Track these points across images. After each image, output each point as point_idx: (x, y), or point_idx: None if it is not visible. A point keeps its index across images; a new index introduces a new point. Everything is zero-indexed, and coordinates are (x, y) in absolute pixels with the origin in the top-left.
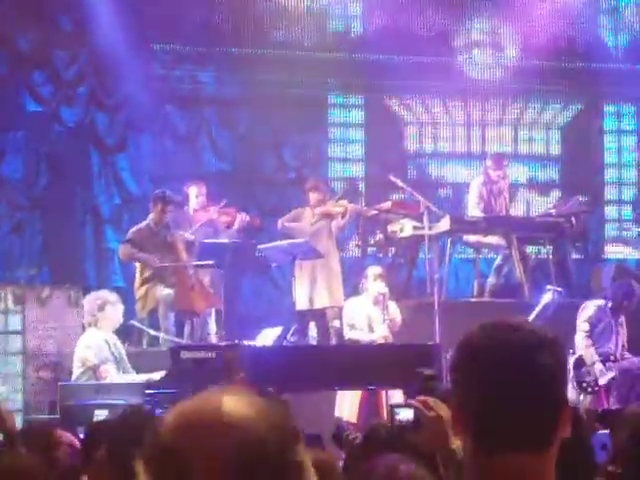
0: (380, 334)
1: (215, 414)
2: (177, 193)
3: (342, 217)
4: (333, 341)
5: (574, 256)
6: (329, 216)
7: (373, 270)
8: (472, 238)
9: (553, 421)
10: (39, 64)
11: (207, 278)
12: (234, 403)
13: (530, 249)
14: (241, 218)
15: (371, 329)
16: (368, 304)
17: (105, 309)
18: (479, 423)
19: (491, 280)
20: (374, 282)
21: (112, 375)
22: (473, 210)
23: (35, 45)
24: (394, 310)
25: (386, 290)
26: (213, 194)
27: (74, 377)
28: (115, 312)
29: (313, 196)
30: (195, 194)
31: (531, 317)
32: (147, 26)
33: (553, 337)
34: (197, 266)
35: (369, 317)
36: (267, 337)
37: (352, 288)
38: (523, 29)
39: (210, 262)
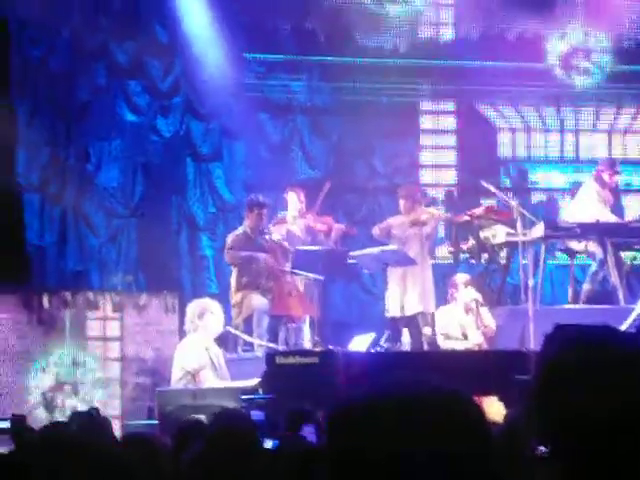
0: (474, 341)
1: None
2: (271, 200)
3: (426, 224)
4: (425, 347)
5: None
6: (418, 223)
7: (461, 278)
8: (568, 244)
9: None
10: (135, 74)
11: (300, 284)
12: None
13: (625, 254)
14: (338, 227)
15: (465, 337)
16: (460, 312)
17: (204, 317)
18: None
19: (586, 286)
20: (465, 289)
21: (210, 381)
22: (586, 215)
23: (132, 56)
24: (488, 317)
25: (479, 295)
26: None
27: (172, 382)
28: (215, 320)
29: (403, 203)
30: (294, 200)
31: (626, 323)
32: (240, 35)
33: None
34: (294, 273)
35: (462, 325)
36: (359, 343)
37: (444, 295)
38: (615, 33)
39: (315, 275)
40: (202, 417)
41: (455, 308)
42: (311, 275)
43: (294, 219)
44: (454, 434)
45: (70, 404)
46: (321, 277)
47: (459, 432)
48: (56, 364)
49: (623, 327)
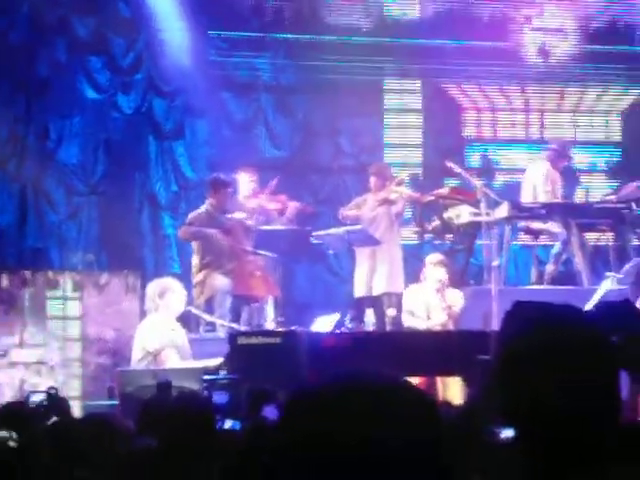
0: (437, 322)
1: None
2: (233, 179)
3: (395, 203)
4: (389, 328)
5: (634, 242)
6: (387, 202)
7: (432, 257)
8: (532, 224)
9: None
10: (96, 50)
11: (262, 264)
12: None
13: (589, 236)
14: (292, 205)
15: (429, 317)
16: (428, 292)
17: (165, 296)
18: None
19: (550, 267)
20: (434, 269)
21: (173, 360)
22: (533, 195)
23: (93, 32)
24: (455, 297)
25: (446, 277)
26: (269, 181)
27: (133, 362)
28: (177, 299)
29: (373, 181)
30: (246, 180)
31: (590, 304)
32: (203, 12)
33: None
34: (255, 253)
35: (428, 304)
36: (323, 324)
37: (409, 275)
38: (581, 13)
39: (269, 253)
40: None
41: (423, 287)
42: (268, 253)
43: (246, 199)
44: (409, 421)
45: (32, 383)
46: (274, 255)
47: (411, 419)
48: (16, 344)
49: (587, 308)
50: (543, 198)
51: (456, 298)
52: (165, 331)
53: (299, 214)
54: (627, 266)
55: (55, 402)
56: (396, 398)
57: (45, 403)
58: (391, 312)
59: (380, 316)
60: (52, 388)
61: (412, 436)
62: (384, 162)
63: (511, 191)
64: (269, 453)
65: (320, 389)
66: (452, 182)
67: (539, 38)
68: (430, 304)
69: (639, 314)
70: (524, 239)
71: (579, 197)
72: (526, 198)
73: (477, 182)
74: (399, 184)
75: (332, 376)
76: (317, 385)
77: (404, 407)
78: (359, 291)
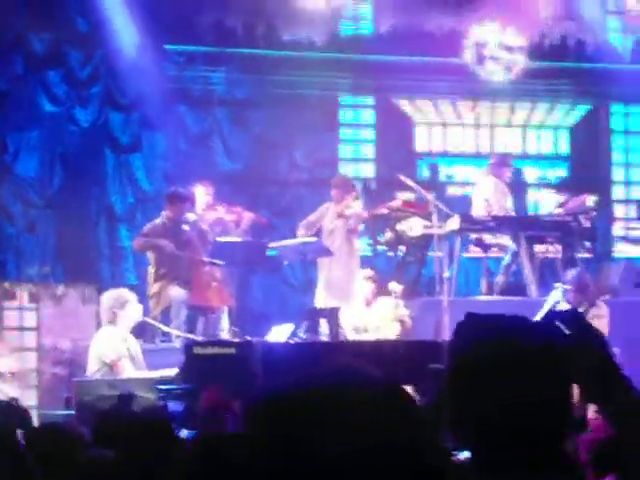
0: (387, 333)
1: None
2: (190, 192)
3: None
4: (342, 339)
5: (582, 255)
6: (342, 216)
7: (362, 273)
8: (482, 237)
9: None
10: (54, 64)
11: (218, 275)
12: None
13: (538, 248)
14: (247, 217)
15: (365, 330)
16: (358, 306)
17: (126, 307)
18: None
19: (499, 278)
20: (362, 283)
21: (128, 372)
22: (484, 209)
23: (50, 45)
24: (403, 310)
25: (370, 289)
26: (225, 194)
27: (89, 373)
28: (135, 310)
29: (334, 193)
30: (202, 193)
31: (539, 315)
32: (160, 27)
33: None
34: (212, 263)
35: (360, 319)
36: (277, 334)
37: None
38: (531, 30)
39: (221, 262)
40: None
41: (355, 303)
42: (221, 263)
43: (203, 212)
44: (389, 423)
45: None
46: (221, 263)
47: (394, 421)
48: None
49: (536, 318)
50: (497, 211)
51: (404, 311)
52: (120, 342)
53: (254, 225)
54: (569, 274)
55: (17, 413)
56: (367, 397)
57: (6, 414)
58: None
59: (334, 327)
60: (13, 399)
61: (388, 435)
62: (345, 175)
63: (461, 204)
64: (235, 462)
65: (289, 393)
66: (404, 195)
67: (489, 54)
68: (362, 318)
69: (587, 323)
70: (474, 251)
71: (529, 210)
72: (477, 211)
73: (429, 195)
74: (355, 199)
75: (300, 378)
76: (287, 389)
77: (378, 406)
78: (318, 302)
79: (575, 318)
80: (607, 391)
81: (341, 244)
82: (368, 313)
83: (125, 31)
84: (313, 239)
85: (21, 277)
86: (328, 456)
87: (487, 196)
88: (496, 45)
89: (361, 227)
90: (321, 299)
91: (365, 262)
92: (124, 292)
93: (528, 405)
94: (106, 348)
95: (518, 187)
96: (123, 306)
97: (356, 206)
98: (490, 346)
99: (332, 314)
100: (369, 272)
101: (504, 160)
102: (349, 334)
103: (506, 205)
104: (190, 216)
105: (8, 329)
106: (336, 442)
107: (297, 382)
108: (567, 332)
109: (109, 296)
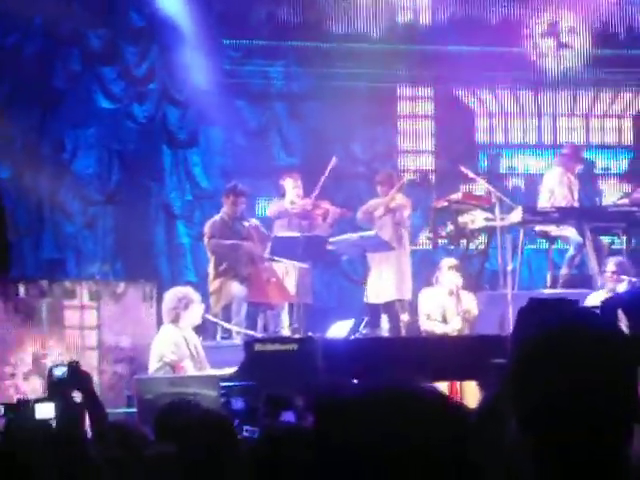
0: (453, 327)
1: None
2: (249, 187)
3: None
4: (403, 333)
5: None
6: (389, 210)
7: (447, 262)
8: (546, 229)
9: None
10: (110, 61)
11: (295, 273)
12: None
13: (604, 239)
14: (333, 211)
15: (445, 321)
16: (442, 295)
17: (190, 307)
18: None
19: (564, 271)
20: (448, 272)
21: (190, 372)
22: (550, 201)
23: (106, 42)
24: (470, 302)
25: (460, 281)
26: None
27: (150, 372)
28: (198, 310)
29: (380, 189)
30: (291, 186)
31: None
32: (216, 21)
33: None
34: (272, 260)
35: (443, 308)
36: (339, 330)
37: (423, 281)
38: (593, 17)
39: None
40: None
41: (438, 290)
42: (294, 262)
43: (292, 204)
44: (434, 426)
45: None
46: (300, 265)
47: (439, 423)
48: (35, 354)
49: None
50: (561, 203)
51: (470, 302)
52: (182, 342)
53: (340, 219)
54: (614, 262)
55: (76, 375)
56: (426, 404)
57: (66, 376)
58: (404, 317)
59: (394, 322)
60: (74, 361)
61: (441, 438)
62: (389, 169)
63: (524, 196)
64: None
65: (351, 397)
66: (466, 187)
67: (551, 43)
68: (446, 307)
69: None
70: (539, 244)
71: (596, 201)
72: (543, 204)
73: (490, 187)
74: (398, 191)
75: (359, 386)
76: (347, 394)
77: (435, 413)
78: (370, 297)
79: (634, 301)
80: None
81: (391, 239)
82: (452, 303)
83: (181, 26)
84: (372, 233)
85: (81, 275)
86: (386, 453)
87: (552, 187)
88: (557, 33)
89: (409, 220)
90: (374, 295)
91: (426, 256)
92: (189, 292)
93: (593, 392)
94: (168, 349)
95: (585, 178)
96: (187, 306)
97: (399, 198)
98: (554, 334)
99: (389, 309)
100: (453, 261)
101: (577, 153)
102: (427, 324)
103: (572, 197)
104: (253, 221)
105: (69, 328)
106: (394, 441)
107: (363, 385)
108: (624, 318)
109: (173, 295)
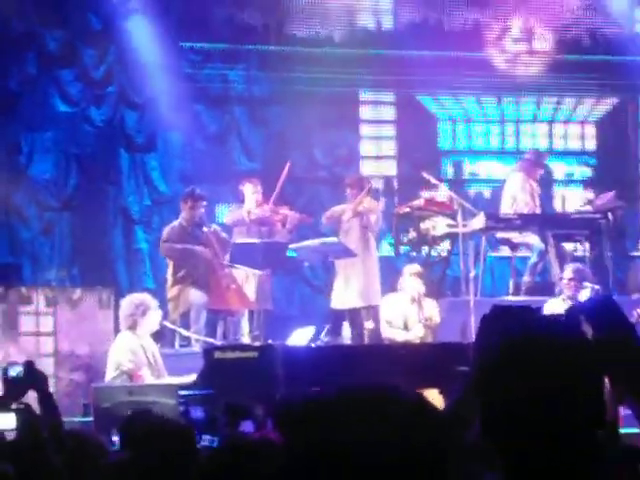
0: (416, 334)
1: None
2: (207, 192)
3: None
4: (366, 341)
5: (611, 253)
6: (357, 214)
7: (409, 268)
8: (508, 235)
9: None
10: (67, 63)
11: (255, 280)
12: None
13: (566, 246)
14: (293, 217)
15: (407, 328)
16: (404, 302)
17: (147, 314)
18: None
19: (526, 278)
20: (410, 279)
21: (148, 381)
22: (512, 207)
23: (63, 44)
24: (432, 309)
25: (422, 288)
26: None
27: (107, 380)
28: (156, 317)
29: (349, 192)
30: (251, 191)
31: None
32: (175, 24)
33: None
34: (232, 267)
35: (405, 315)
36: (299, 338)
37: (386, 288)
38: (556, 22)
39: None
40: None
41: (400, 297)
42: (249, 269)
43: (249, 213)
44: (413, 427)
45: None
46: (260, 272)
47: (417, 426)
48: None
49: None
50: (523, 210)
51: (433, 309)
52: (139, 350)
53: (298, 225)
54: (572, 268)
55: (32, 374)
56: (397, 404)
57: (21, 375)
58: (369, 324)
59: (357, 329)
60: (29, 361)
61: (420, 441)
62: (360, 173)
63: (487, 202)
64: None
65: (321, 401)
66: (428, 193)
67: (514, 49)
68: (407, 314)
69: (613, 313)
70: (500, 250)
71: (556, 207)
72: (506, 210)
73: (452, 193)
74: (367, 195)
75: (325, 390)
76: (315, 398)
77: (413, 415)
78: (335, 303)
79: (598, 309)
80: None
81: (357, 243)
82: (413, 310)
83: (139, 29)
84: (334, 239)
85: (37, 281)
86: (358, 458)
87: (514, 193)
88: (520, 39)
89: (378, 224)
90: (339, 301)
91: (388, 263)
92: (146, 298)
93: (552, 399)
94: (125, 357)
95: (545, 184)
96: (144, 313)
97: (367, 202)
98: (517, 339)
99: (354, 316)
100: (416, 267)
101: (538, 158)
102: (388, 331)
103: (534, 203)
104: (213, 227)
105: (25, 334)
106: (365, 446)
107: (329, 389)
108: (587, 325)
109: (130, 302)
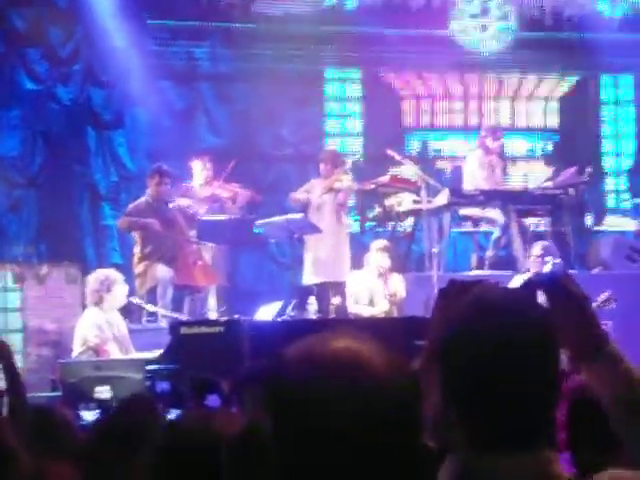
0: (381, 309)
1: (350, 355)
2: (174, 169)
3: (339, 192)
4: (331, 316)
5: (572, 228)
6: (331, 190)
7: (376, 244)
8: (471, 211)
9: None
10: (34, 42)
11: (208, 255)
12: (368, 349)
13: (528, 221)
14: (243, 194)
15: (372, 303)
16: (370, 277)
17: (112, 289)
18: (473, 417)
19: (489, 253)
20: (376, 254)
21: (114, 355)
22: (473, 183)
23: (30, 22)
24: (398, 284)
25: (388, 263)
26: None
27: (74, 355)
28: (122, 292)
29: (322, 167)
30: (200, 168)
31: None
32: (142, 2)
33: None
34: (198, 243)
35: (371, 291)
36: (266, 312)
37: (352, 262)
38: (519, 0)
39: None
40: (106, 388)
41: (365, 273)
42: (210, 244)
43: (200, 187)
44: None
45: None
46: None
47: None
48: None
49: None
50: (483, 185)
51: (398, 284)
52: (105, 325)
53: (249, 202)
54: (541, 246)
55: None
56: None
57: None
58: (336, 300)
59: (324, 304)
60: None
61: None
62: (334, 149)
63: (450, 178)
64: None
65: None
66: (393, 170)
67: (477, 26)
68: (373, 290)
69: (565, 286)
70: (464, 226)
71: (519, 183)
72: (467, 186)
73: (417, 170)
74: (344, 173)
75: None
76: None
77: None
78: (305, 279)
79: (554, 281)
80: (586, 352)
81: (330, 220)
82: (379, 285)
83: (106, 7)
84: (298, 215)
85: (4, 258)
86: (339, 425)
87: (474, 169)
88: (483, 16)
89: (351, 202)
90: (309, 276)
91: (353, 239)
92: (111, 273)
93: (517, 377)
94: (91, 332)
95: (505, 160)
96: (110, 288)
97: (346, 180)
98: (479, 314)
99: (321, 291)
100: (383, 242)
101: (494, 132)
102: (354, 307)
103: (495, 178)
104: (182, 201)
105: None
106: (347, 413)
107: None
108: (542, 298)
109: (95, 278)
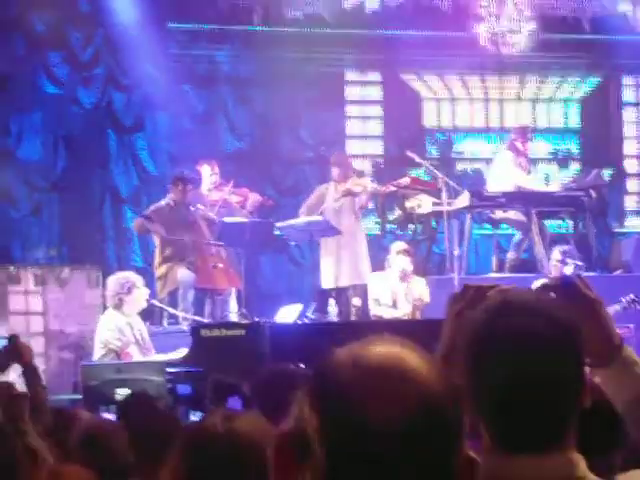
0: (403, 311)
1: (395, 361)
2: (193, 173)
3: (359, 195)
4: (352, 318)
5: (594, 230)
6: (350, 194)
7: (397, 246)
8: (494, 214)
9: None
10: (55, 45)
11: (225, 256)
12: (413, 355)
13: (550, 223)
14: (253, 198)
15: (395, 305)
16: (392, 280)
17: (133, 292)
18: (495, 421)
19: (510, 255)
20: (397, 257)
21: (136, 358)
22: (495, 185)
23: (51, 26)
24: (422, 288)
25: (410, 265)
26: (231, 173)
27: (95, 358)
28: (142, 294)
29: (335, 171)
30: (208, 173)
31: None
32: (162, 5)
33: (574, 324)
34: (218, 245)
35: (393, 293)
36: (286, 315)
37: (372, 265)
38: (541, 1)
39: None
40: (126, 390)
41: (387, 275)
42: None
43: (209, 192)
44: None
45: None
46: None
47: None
48: None
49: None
50: (510, 188)
51: (423, 289)
52: (126, 328)
53: (260, 207)
54: (560, 251)
55: (17, 347)
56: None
57: (6, 349)
58: (356, 302)
59: (344, 307)
60: (14, 335)
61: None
62: (344, 152)
63: (471, 180)
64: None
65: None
66: (413, 172)
67: (498, 28)
68: (395, 292)
69: (579, 290)
70: (485, 229)
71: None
72: (493, 188)
73: (437, 172)
74: (360, 176)
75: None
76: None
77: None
78: (326, 282)
79: (568, 285)
80: (602, 356)
81: (348, 222)
82: (402, 288)
83: (126, 10)
84: (319, 218)
85: (26, 261)
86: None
87: (501, 171)
88: (504, 18)
89: (370, 205)
90: (329, 279)
91: (374, 241)
92: (130, 276)
93: (546, 378)
94: (112, 335)
95: (532, 162)
96: (130, 291)
97: (364, 182)
98: (499, 319)
99: (341, 294)
100: (403, 245)
101: (523, 133)
102: (376, 309)
103: (523, 180)
104: (200, 207)
105: (14, 314)
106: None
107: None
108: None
109: (115, 280)
